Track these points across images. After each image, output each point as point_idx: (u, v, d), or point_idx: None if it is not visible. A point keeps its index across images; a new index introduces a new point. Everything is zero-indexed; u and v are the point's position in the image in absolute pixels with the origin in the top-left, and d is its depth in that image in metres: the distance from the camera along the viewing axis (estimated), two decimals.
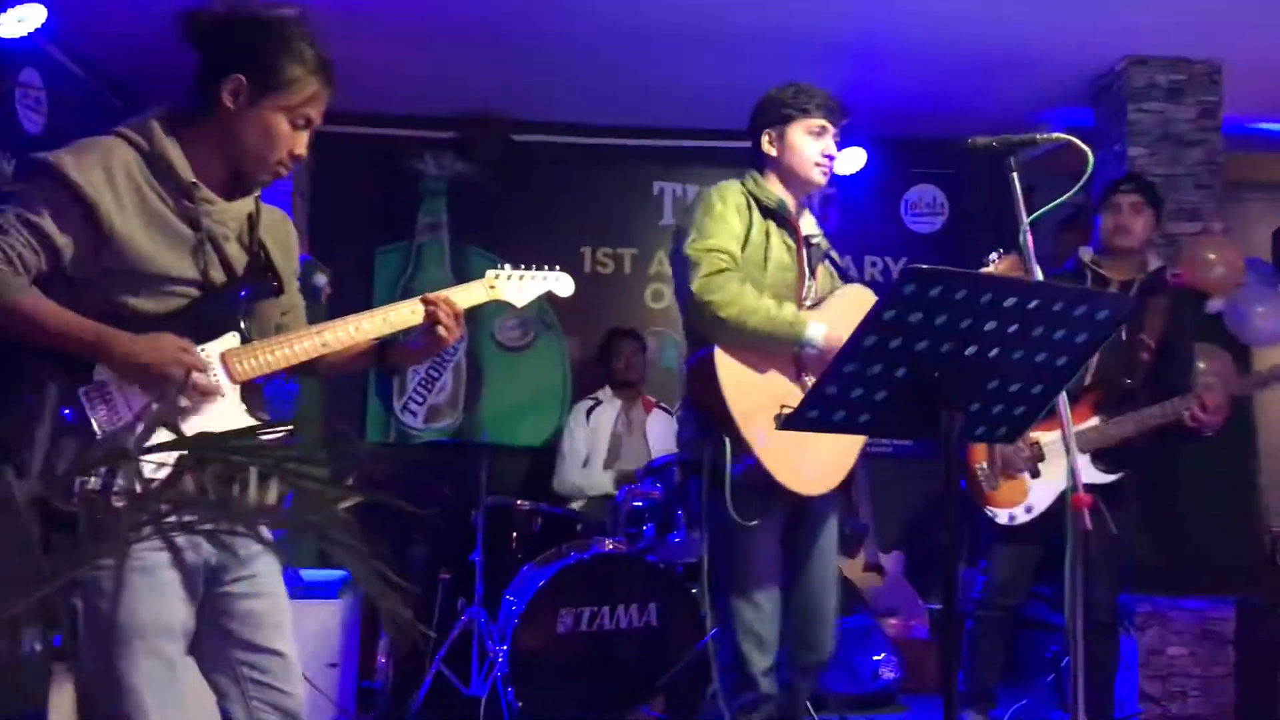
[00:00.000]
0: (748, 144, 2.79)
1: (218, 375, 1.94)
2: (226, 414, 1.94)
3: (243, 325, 2.00)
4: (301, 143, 1.95)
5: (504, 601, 3.81)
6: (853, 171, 5.22)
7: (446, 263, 5.23)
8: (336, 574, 3.43)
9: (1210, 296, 4.28)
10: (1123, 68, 4.46)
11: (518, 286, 2.38)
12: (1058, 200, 2.25)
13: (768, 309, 2.48)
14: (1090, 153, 2.22)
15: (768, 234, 2.65)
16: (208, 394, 1.89)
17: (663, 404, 4.92)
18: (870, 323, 1.70)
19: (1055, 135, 2.29)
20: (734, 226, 2.59)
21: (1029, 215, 2.23)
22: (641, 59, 4.54)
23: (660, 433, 4.76)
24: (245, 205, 2.02)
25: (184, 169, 1.90)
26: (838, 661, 4.39)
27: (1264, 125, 5.08)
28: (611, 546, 3.68)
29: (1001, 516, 3.44)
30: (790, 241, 2.68)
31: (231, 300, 1.99)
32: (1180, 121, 4.46)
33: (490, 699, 3.62)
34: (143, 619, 1.83)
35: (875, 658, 4.32)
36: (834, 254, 2.84)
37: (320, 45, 1.95)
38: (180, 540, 1.84)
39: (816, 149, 2.68)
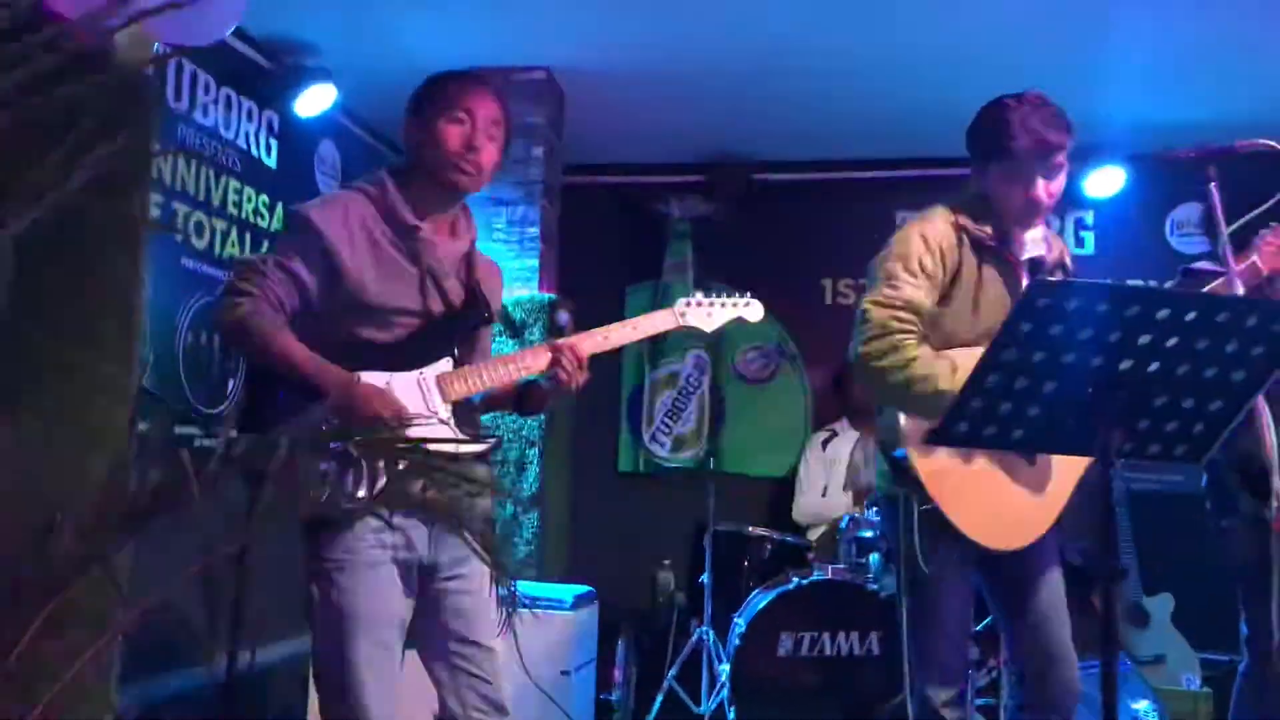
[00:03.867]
0: None
1: (433, 395, 2.22)
2: (439, 429, 2.21)
3: (456, 351, 2.27)
4: (471, 138, 2.19)
5: (731, 624, 3.93)
6: (1111, 193, 4.98)
7: None
8: (571, 588, 3.69)
9: None
10: None
11: (706, 313, 2.48)
12: (1259, 209, 2.13)
13: (936, 381, 2.25)
14: None
15: (980, 270, 2.41)
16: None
17: None
18: (1007, 335, 1.71)
19: (1258, 142, 2.17)
20: (932, 272, 2.38)
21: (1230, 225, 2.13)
22: (874, 92, 4.58)
23: None
24: (461, 245, 2.31)
25: (406, 213, 2.21)
26: (1093, 708, 4.15)
27: None
28: (834, 574, 3.71)
29: None
30: (1010, 277, 2.44)
31: (448, 329, 2.27)
32: None
33: (715, 717, 3.74)
34: (366, 608, 2.12)
35: (1134, 704, 4.04)
36: (1068, 269, 2.57)
37: (459, 70, 2.27)
38: (397, 539, 2.16)
39: (1018, 194, 2.37)
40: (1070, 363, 1.74)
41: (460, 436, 2.21)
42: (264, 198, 4.17)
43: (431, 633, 2.25)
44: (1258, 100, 4.42)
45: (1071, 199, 5.04)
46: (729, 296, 2.49)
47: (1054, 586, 2.47)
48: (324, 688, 2.15)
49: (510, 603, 1.34)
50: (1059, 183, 2.38)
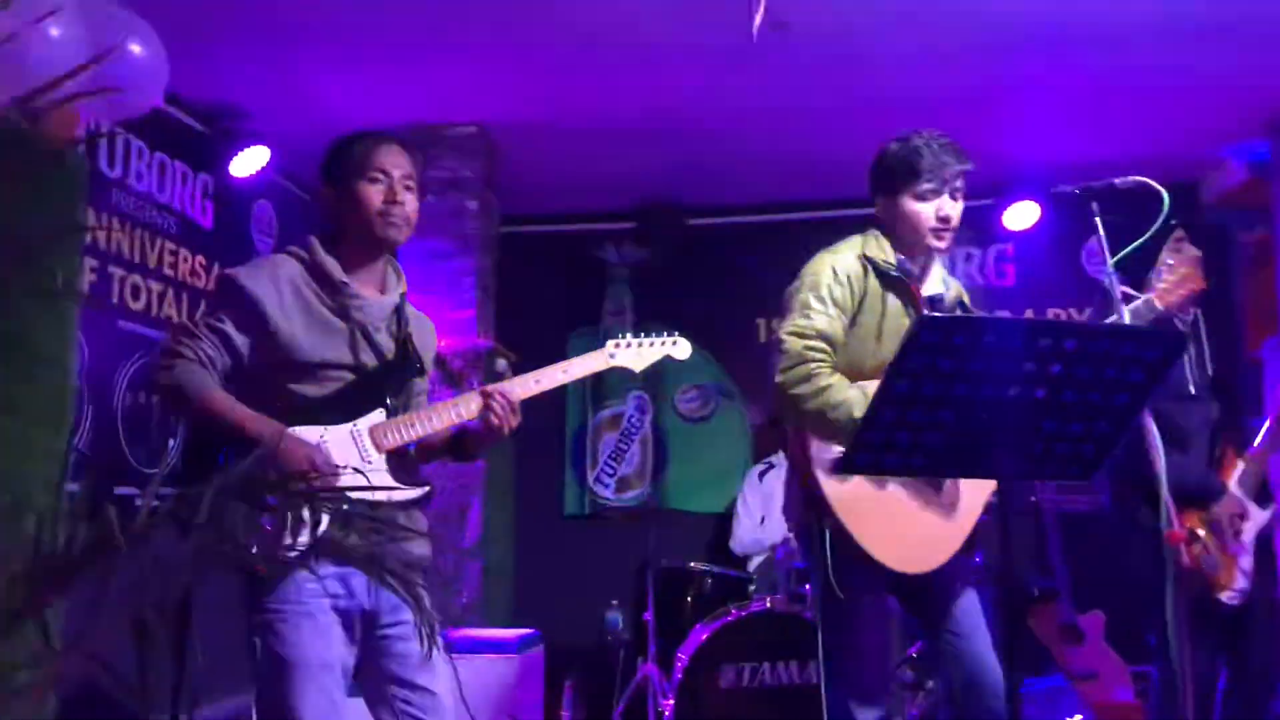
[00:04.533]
0: None
1: (366, 446, 2.28)
2: (374, 479, 2.26)
3: (389, 402, 2.34)
4: (391, 194, 2.28)
5: (675, 659, 3.99)
6: (1027, 226, 5.19)
7: None
8: (515, 632, 3.74)
9: None
10: None
11: (636, 354, 2.55)
12: (1137, 241, 2.28)
13: (850, 408, 2.37)
14: (1165, 194, 2.24)
15: (884, 301, 2.54)
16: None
17: None
18: (898, 370, 1.82)
19: (1133, 178, 2.32)
20: (842, 302, 2.51)
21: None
22: (799, 136, 4.76)
23: None
24: (391, 299, 2.39)
25: (335, 271, 2.29)
26: None
27: None
28: (774, 604, 3.80)
29: (1234, 598, 3.26)
30: (911, 309, 2.56)
31: (380, 381, 2.34)
32: None
33: None
34: (308, 656, 2.16)
35: None
36: (968, 307, 2.72)
37: (374, 129, 2.37)
38: (336, 588, 2.21)
39: (930, 212, 2.53)
40: (962, 393, 1.86)
41: (388, 484, 2.26)
42: (200, 259, 4.22)
43: (375, 679, 2.29)
44: (1159, 138, 4.66)
45: (992, 233, 5.24)
46: (657, 336, 2.57)
47: (970, 603, 2.54)
48: None
49: (432, 638, 1.41)
50: (960, 206, 2.56)
